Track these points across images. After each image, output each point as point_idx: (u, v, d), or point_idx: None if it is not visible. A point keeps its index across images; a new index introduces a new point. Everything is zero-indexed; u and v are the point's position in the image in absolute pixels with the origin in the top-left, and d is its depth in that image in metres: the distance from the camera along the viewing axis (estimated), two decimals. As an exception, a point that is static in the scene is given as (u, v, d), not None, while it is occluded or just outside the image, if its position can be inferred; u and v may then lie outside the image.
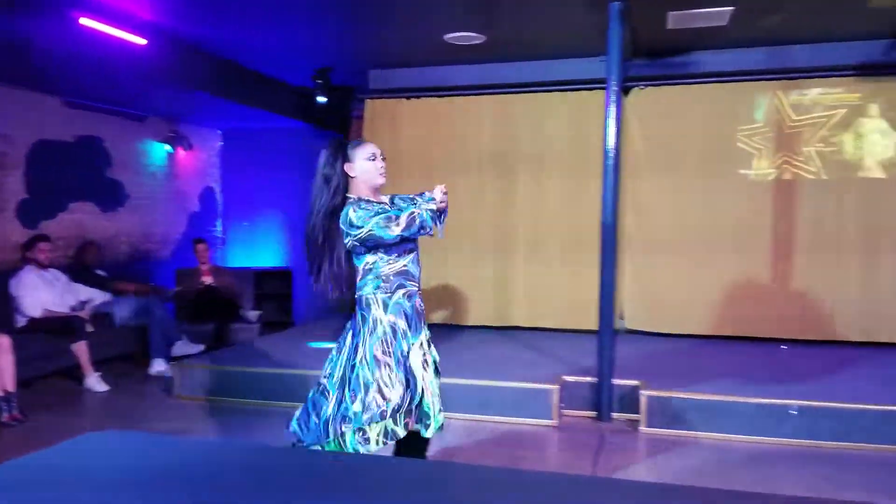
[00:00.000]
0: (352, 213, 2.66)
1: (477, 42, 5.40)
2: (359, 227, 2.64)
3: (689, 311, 5.78)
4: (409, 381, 2.69)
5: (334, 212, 2.73)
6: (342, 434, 2.69)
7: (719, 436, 3.92)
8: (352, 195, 2.76)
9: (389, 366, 2.67)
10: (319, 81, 6.24)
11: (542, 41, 5.43)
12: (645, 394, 4.08)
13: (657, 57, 5.64)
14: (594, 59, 5.57)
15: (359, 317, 2.74)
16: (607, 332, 4.24)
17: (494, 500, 1.53)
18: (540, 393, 4.21)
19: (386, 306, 2.70)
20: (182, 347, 5.77)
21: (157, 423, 4.29)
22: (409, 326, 2.72)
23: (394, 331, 2.70)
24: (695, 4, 4.51)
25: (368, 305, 2.72)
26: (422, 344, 2.75)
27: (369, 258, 2.73)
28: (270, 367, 4.75)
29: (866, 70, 5.31)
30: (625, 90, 5.55)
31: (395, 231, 2.61)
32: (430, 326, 2.87)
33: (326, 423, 2.73)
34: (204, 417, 4.39)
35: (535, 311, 6.13)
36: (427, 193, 2.75)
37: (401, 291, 2.72)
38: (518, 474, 2.02)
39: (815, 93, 5.54)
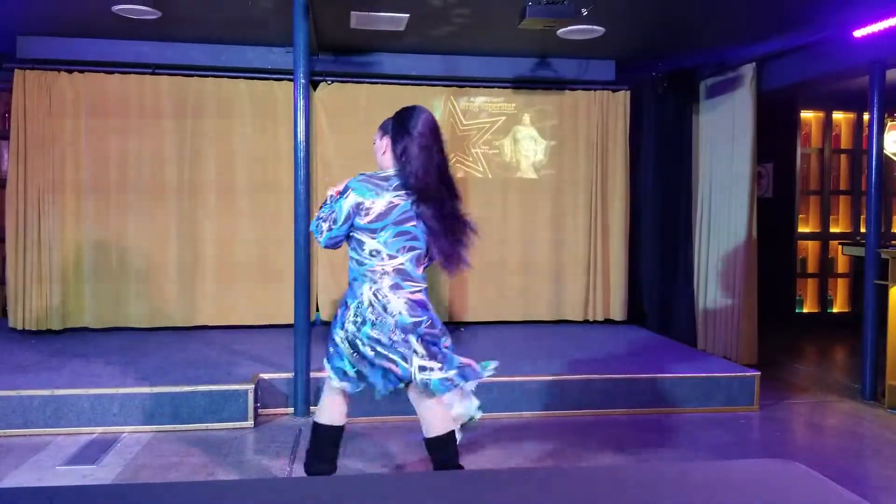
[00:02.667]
0: None
1: (151, 17, 4.95)
2: None
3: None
4: None
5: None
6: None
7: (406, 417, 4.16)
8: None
9: None
10: (-51, 44, 5.18)
11: (224, 25, 5.19)
12: (341, 383, 4.19)
13: (343, 54, 5.79)
14: (281, 50, 5.53)
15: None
16: (303, 324, 4.26)
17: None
18: (234, 394, 4.08)
19: None
20: None
21: None
22: None
23: None
24: (375, 7, 4.74)
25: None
26: None
27: None
28: None
29: (519, 83, 6.13)
30: (313, 84, 5.62)
31: None
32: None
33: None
34: None
35: (225, 307, 5.91)
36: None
37: None
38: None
39: (480, 100, 6.22)
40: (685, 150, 6.08)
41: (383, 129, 2.79)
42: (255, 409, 4.13)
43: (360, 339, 2.67)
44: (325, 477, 2.74)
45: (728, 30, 5.17)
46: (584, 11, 4.34)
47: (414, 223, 2.68)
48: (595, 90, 6.25)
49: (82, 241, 5.68)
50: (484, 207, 6.19)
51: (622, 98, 6.30)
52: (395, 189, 2.66)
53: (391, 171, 2.71)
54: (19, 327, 5.56)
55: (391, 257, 2.66)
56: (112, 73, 5.68)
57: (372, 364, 2.69)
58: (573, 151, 6.31)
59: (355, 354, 2.71)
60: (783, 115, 7.33)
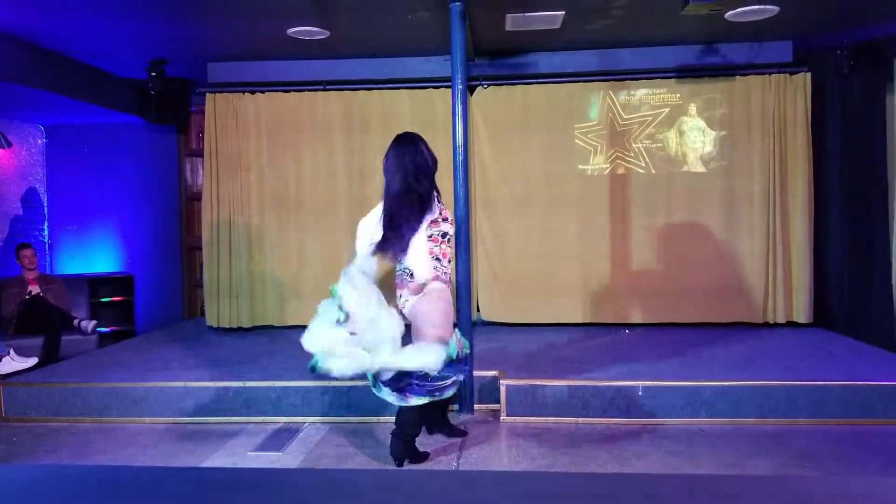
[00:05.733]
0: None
1: (321, 37, 5.31)
2: None
3: (539, 301, 6.07)
4: None
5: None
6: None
7: (575, 420, 4.12)
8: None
9: None
10: (154, 74, 5.87)
11: (386, 39, 5.43)
12: (504, 383, 4.22)
13: (498, 57, 5.85)
14: (439, 58, 5.68)
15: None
16: (466, 324, 4.32)
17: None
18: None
19: None
20: (9, 363, 5.23)
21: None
22: None
23: None
24: (531, 7, 4.72)
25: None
26: None
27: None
28: (110, 381, 4.43)
29: (684, 72, 5.83)
30: (469, 89, 5.72)
31: None
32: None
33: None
34: (35, 441, 4.01)
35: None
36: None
37: None
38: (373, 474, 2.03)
39: (641, 93, 5.99)
40: (877, 135, 5.46)
41: None
42: (423, 405, 4.26)
43: None
44: (500, 471, 2.81)
45: (929, -6, 4.58)
46: (755, -10, 4.04)
47: None
48: (770, 74, 5.80)
49: (266, 248, 6.20)
50: (648, 203, 5.97)
51: (801, 80, 5.79)
52: None
53: None
54: (215, 325, 6.17)
55: None
56: (288, 91, 6.14)
57: None
58: (746, 141, 5.90)
59: None
60: None
